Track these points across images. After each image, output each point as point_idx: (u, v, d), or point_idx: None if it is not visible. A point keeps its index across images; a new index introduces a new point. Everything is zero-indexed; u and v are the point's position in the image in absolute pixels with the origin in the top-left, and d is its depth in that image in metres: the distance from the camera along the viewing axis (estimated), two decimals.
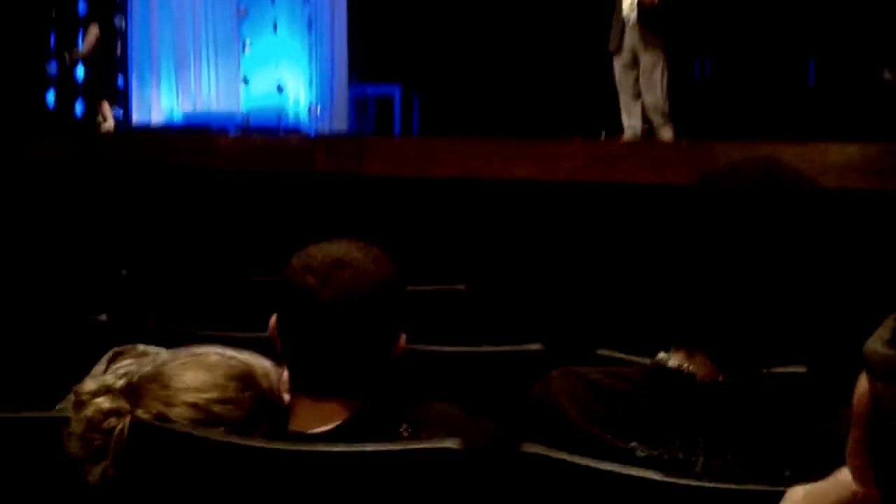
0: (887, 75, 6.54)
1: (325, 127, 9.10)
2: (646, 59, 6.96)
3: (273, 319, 1.67)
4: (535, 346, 2.16)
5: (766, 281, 1.34)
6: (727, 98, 8.26)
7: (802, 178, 1.41)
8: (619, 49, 7.04)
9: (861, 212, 4.98)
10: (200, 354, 1.65)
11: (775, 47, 8.52)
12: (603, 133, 7.71)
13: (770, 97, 8.13)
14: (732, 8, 8.67)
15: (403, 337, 1.66)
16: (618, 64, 7.12)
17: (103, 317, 2.40)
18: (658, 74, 6.97)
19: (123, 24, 8.77)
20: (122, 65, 8.85)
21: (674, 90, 7.21)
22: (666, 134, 6.95)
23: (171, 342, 1.75)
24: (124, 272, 3.14)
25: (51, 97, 8.62)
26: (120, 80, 8.79)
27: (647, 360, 1.50)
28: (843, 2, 8.41)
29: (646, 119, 7.06)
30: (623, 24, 7.01)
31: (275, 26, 8.94)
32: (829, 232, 1.37)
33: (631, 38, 7.00)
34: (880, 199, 5.07)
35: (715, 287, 1.37)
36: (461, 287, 2.94)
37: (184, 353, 1.65)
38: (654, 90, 6.98)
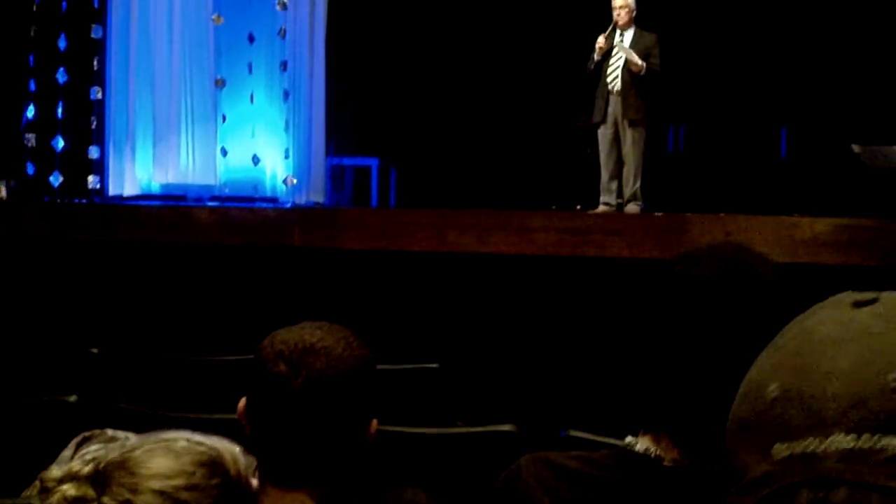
0: (856, 148, 6.63)
1: (301, 199, 9.11)
2: (630, 130, 7.06)
3: (242, 403, 1.66)
4: (507, 427, 2.15)
5: (731, 366, 1.34)
6: (700, 169, 8.36)
7: (768, 263, 1.42)
8: (603, 120, 7.13)
9: (832, 287, 5.02)
10: (168, 440, 1.63)
11: (748, 119, 8.66)
12: (578, 206, 7.78)
13: (743, 169, 8.23)
14: (706, 80, 8.82)
15: (375, 423, 1.65)
16: (602, 135, 7.19)
17: (73, 398, 2.37)
18: (638, 150, 7.07)
19: (100, 94, 8.80)
20: (99, 136, 8.87)
21: (648, 161, 7.29)
22: (634, 208, 7.01)
23: (141, 424, 1.73)
24: (95, 351, 3.11)
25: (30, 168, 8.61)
26: (96, 152, 8.79)
27: (618, 442, 1.50)
28: (814, 76, 8.58)
29: (620, 194, 7.12)
30: (608, 94, 7.10)
31: (251, 97, 9.00)
32: (797, 313, 1.38)
33: (615, 108, 7.09)
34: (851, 274, 5.11)
35: (678, 370, 1.38)
36: (434, 365, 2.93)
37: (152, 439, 1.64)
38: (632, 164, 7.06)
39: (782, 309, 1.37)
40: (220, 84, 8.91)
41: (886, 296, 0.74)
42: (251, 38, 9.08)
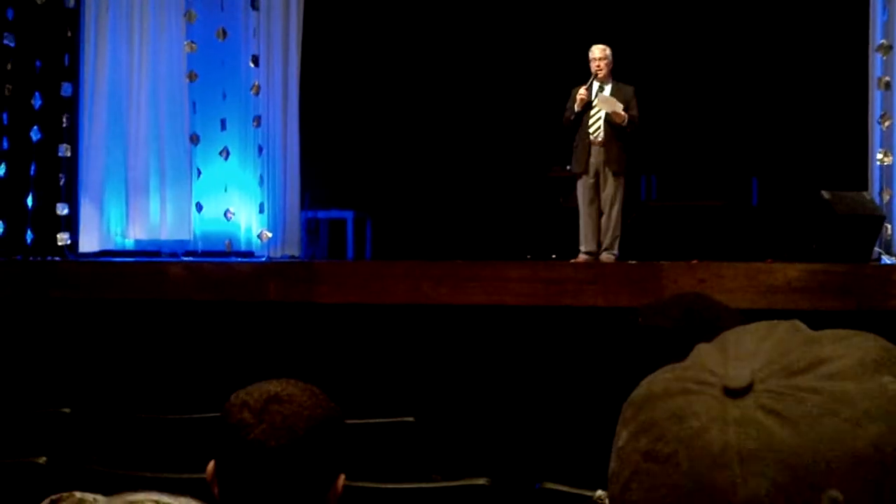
0: (826, 195, 6.71)
1: (277, 252, 9.10)
2: (611, 180, 7.11)
3: (211, 465, 1.65)
4: (481, 481, 2.14)
5: None
6: (673, 218, 8.42)
7: (730, 313, 1.44)
8: (585, 170, 7.18)
9: None
10: (136, 501, 1.62)
11: (720, 168, 8.75)
12: (553, 256, 7.81)
13: (715, 217, 8.30)
14: (678, 130, 8.92)
15: (342, 478, 1.64)
16: (582, 185, 7.24)
17: (42, 459, 2.34)
18: (619, 200, 7.12)
19: (69, 152, 8.79)
20: (69, 193, 8.84)
21: (624, 211, 7.35)
22: (609, 257, 7.05)
23: (112, 485, 1.71)
24: (67, 411, 3.08)
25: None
26: (65, 208, 8.75)
27: (592, 494, 1.50)
28: (784, 126, 8.70)
29: (599, 243, 7.16)
30: (589, 145, 7.16)
31: (225, 152, 9.01)
32: None
33: (597, 159, 7.15)
34: (825, 319, 5.14)
35: None
36: (410, 419, 2.92)
37: (119, 500, 1.63)
38: (612, 213, 7.11)
39: None
40: (194, 140, 8.93)
41: (755, 375, 0.65)
42: (224, 95, 9.13)
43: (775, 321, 0.73)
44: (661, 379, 0.71)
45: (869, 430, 0.61)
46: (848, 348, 0.66)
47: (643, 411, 0.69)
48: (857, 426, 0.61)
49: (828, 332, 0.70)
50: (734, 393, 0.65)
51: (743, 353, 0.68)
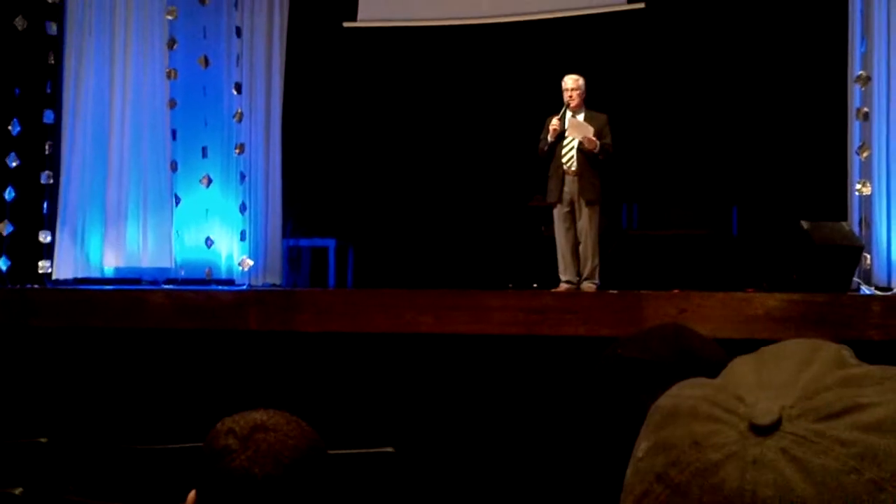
0: (805, 225, 6.75)
1: (258, 280, 9.08)
2: (585, 210, 7.14)
3: (192, 494, 1.64)
4: None
5: None
6: (654, 248, 8.45)
7: (710, 345, 1.44)
8: (559, 199, 7.20)
9: None
10: None
11: (700, 197, 8.80)
12: (535, 285, 7.82)
13: (696, 246, 8.33)
14: (659, 160, 8.97)
15: None
16: (557, 215, 7.26)
17: (18, 490, 2.32)
18: (595, 228, 7.14)
19: (51, 179, 8.76)
20: (51, 220, 8.81)
21: (603, 240, 7.37)
22: (590, 286, 7.07)
23: None
24: (44, 441, 3.05)
25: None
26: (47, 236, 8.71)
27: None
28: (764, 156, 8.76)
29: (579, 272, 7.18)
30: (563, 174, 7.19)
31: (207, 180, 9.00)
32: None
33: (571, 188, 7.18)
34: None
35: (618, 455, 1.38)
36: (390, 449, 2.90)
37: None
38: (589, 243, 7.13)
39: None
40: (174, 167, 8.92)
41: (785, 411, 0.62)
42: (206, 122, 9.13)
43: (822, 342, 0.70)
44: (690, 395, 0.69)
45: (892, 496, 0.58)
46: (889, 394, 0.62)
47: (666, 428, 0.67)
48: (879, 489, 0.58)
49: (874, 369, 0.66)
50: (760, 430, 0.62)
51: (778, 380, 0.65)
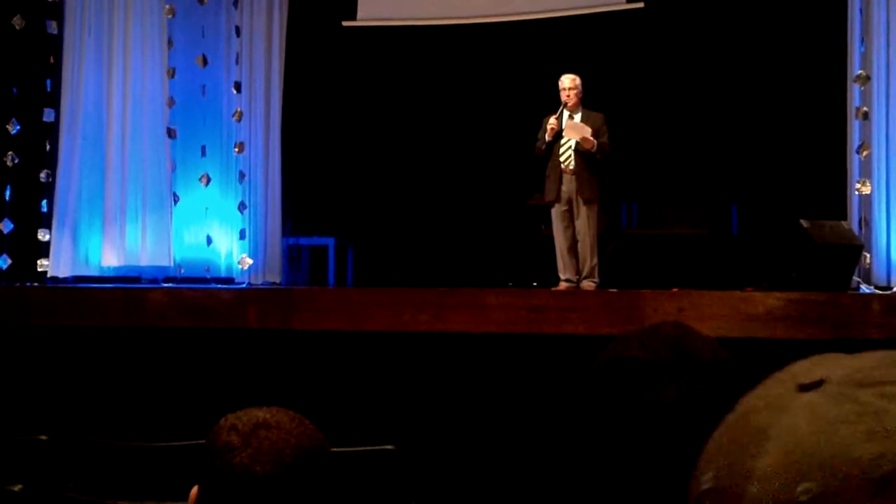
0: (805, 224, 6.75)
1: (258, 279, 9.08)
2: (583, 208, 7.14)
3: (194, 491, 1.63)
4: None
5: (665, 450, 1.34)
6: (654, 246, 8.45)
7: (709, 345, 1.43)
8: (557, 198, 7.20)
9: (785, 362, 5.06)
10: None
11: (700, 196, 8.80)
12: (535, 283, 7.82)
13: (696, 245, 8.33)
14: (659, 158, 8.97)
15: None
16: (555, 214, 7.26)
17: (17, 487, 2.32)
18: (593, 227, 7.15)
19: (50, 178, 8.76)
20: (49, 218, 8.80)
21: (602, 239, 7.38)
22: (590, 285, 7.07)
23: None
24: (44, 438, 3.05)
25: None
26: (47, 234, 8.71)
27: None
28: (764, 155, 8.76)
29: (578, 271, 7.18)
30: (560, 173, 7.19)
31: (206, 178, 9.00)
32: (745, 392, 1.39)
33: (569, 187, 7.18)
34: (803, 348, 5.16)
35: (614, 455, 1.38)
36: (389, 447, 2.90)
37: None
38: (588, 241, 7.13)
39: (722, 392, 1.38)
40: (172, 166, 8.92)
41: (836, 375, 0.70)
42: (205, 121, 9.13)
43: None
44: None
45: (873, 448, 0.64)
46: None
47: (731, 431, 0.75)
48: (867, 439, 0.64)
49: None
50: (802, 387, 0.70)
51: (845, 360, 0.73)
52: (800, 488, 0.64)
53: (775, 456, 0.67)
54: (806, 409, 0.68)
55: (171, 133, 8.86)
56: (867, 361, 0.71)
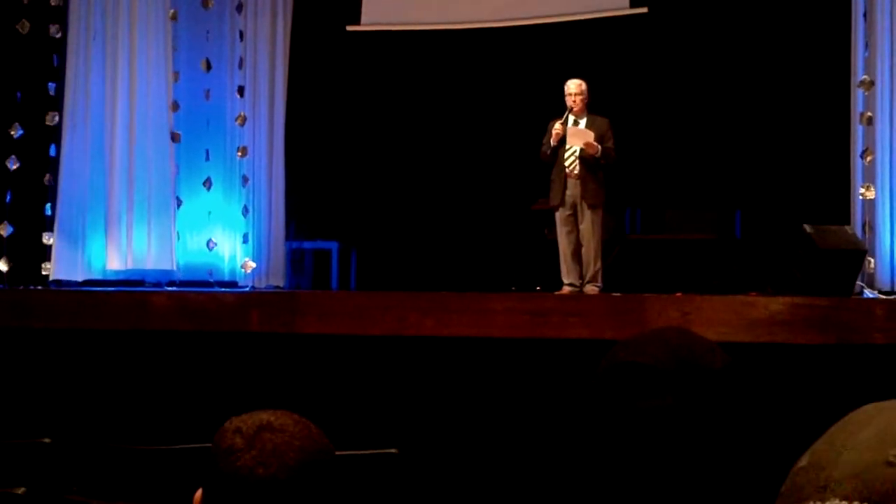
0: (808, 229, 6.74)
1: (261, 282, 9.09)
2: (588, 213, 7.14)
3: (198, 494, 1.63)
4: None
5: (669, 451, 1.34)
6: (658, 250, 8.45)
7: (714, 351, 1.43)
8: (561, 203, 7.20)
9: (788, 366, 5.06)
10: None
11: (704, 201, 8.79)
12: (538, 288, 7.82)
13: (699, 250, 8.33)
14: (663, 164, 8.97)
15: None
16: (559, 218, 7.26)
17: (21, 490, 2.32)
18: (598, 232, 7.15)
19: (53, 181, 8.77)
20: (53, 222, 8.81)
21: (606, 244, 7.37)
22: (593, 289, 7.07)
23: None
24: (48, 441, 3.05)
25: None
26: (50, 238, 8.72)
27: None
28: (767, 160, 8.76)
29: (581, 275, 7.18)
30: (565, 178, 7.19)
31: (209, 182, 9.01)
32: (747, 397, 1.38)
33: (573, 191, 7.18)
34: (807, 353, 5.16)
35: (618, 458, 1.37)
36: (393, 451, 2.90)
37: None
38: (592, 246, 7.13)
39: (727, 398, 1.38)
40: (175, 170, 8.93)
41: None
42: (208, 125, 9.15)
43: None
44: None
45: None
46: None
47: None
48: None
49: None
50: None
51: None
52: (892, 451, 0.71)
53: (872, 431, 0.74)
54: None
55: (174, 137, 8.87)
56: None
